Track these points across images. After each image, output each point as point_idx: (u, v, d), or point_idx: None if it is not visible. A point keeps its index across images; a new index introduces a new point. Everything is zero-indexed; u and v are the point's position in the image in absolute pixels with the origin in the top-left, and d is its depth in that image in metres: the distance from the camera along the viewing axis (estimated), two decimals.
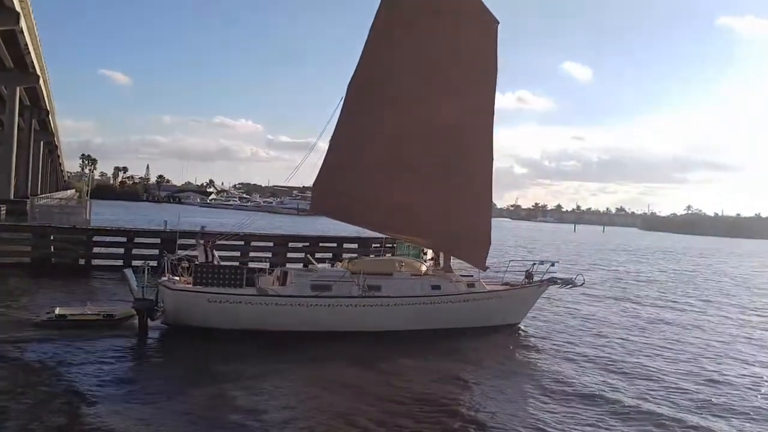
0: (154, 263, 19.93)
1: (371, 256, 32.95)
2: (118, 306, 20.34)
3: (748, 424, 13.24)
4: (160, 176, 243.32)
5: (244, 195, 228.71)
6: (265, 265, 22.58)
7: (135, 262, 30.28)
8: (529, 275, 22.32)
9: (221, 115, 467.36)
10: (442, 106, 21.14)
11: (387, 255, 32.69)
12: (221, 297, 18.40)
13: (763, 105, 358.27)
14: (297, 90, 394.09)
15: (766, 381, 16.84)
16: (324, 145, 20.93)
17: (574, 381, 15.78)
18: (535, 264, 22.67)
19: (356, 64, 21.04)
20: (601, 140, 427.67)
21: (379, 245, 36.21)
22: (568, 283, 22.51)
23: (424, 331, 19.73)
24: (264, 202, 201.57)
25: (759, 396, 15.36)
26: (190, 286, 18.70)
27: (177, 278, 19.09)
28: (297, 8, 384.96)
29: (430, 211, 21.25)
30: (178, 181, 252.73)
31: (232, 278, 18.70)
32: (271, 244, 34.69)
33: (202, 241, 20.05)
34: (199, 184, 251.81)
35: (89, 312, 19.31)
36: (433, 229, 21.47)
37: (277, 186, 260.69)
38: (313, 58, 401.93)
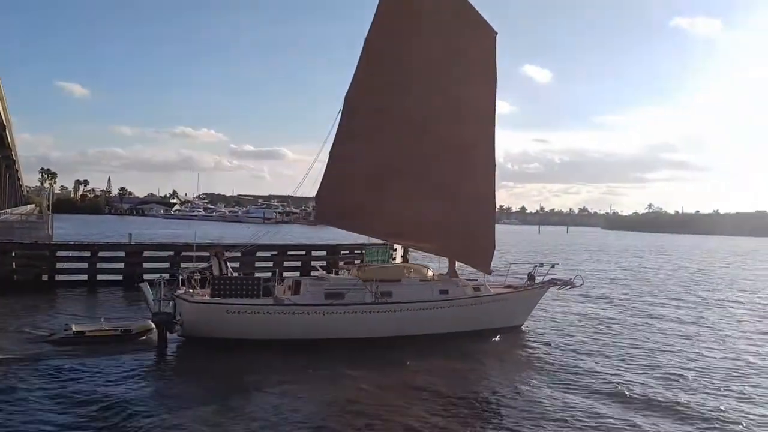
0: (166, 276, 19.93)
1: (340, 263, 33.81)
2: (132, 321, 20.47)
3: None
4: (122, 188, 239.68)
5: (209, 205, 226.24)
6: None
7: (100, 277, 30.94)
8: (531, 277, 23.03)
9: (182, 125, 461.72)
10: (444, 117, 21.74)
11: (357, 261, 33.38)
12: (239, 308, 18.67)
13: (721, 105, 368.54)
14: (260, 98, 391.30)
15: None
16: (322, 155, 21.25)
17: (579, 376, 16.57)
18: (536, 266, 23.37)
19: (352, 75, 21.51)
20: (563, 142, 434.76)
21: (347, 252, 36.76)
22: (567, 284, 23.24)
23: (433, 335, 20.19)
24: (229, 212, 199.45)
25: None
26: (208, 298, 18.92)
27: (191, 291, 19.31)
28: (260, 17, 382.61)
29: (435, 218, 21.78)
30: (140, 192, 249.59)
31: (250, 289, 18.98)
32: (238, 254, 34.51)
33: (215, 254, 20.26)
34: (162, 195, 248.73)
35: (106, 328, 19.41)
36: (439, 235, 22.01)
37: (242, 195, 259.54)
38: (277, 66, 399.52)
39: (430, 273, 21.92)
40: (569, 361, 18.31)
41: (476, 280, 22.50)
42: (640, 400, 14.60)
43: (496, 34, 22.24)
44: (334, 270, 32.03)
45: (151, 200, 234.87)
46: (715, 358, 19.21)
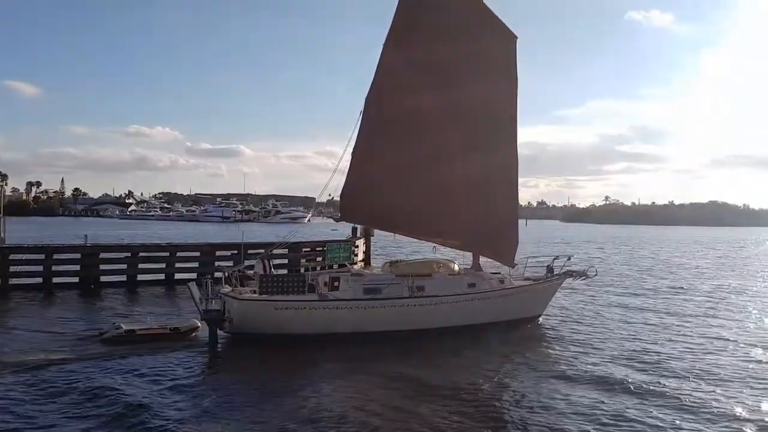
0: (218, 274, 20.57)
1: (302, 260, 34.77)
2: (175, 319, 21.01)
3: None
4: (76, 189, 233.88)
5: (166, 205, 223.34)
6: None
7: (55, 279, 30.37)
8: (550, 269, 24.26)
9: (136, 123, 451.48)
10: (468, 118, 22.77)
11: (318, 259, 34.45)
12: (287, 304, 19.41)
13: (676, 97, 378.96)
14: (217, 95, 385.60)
15: None
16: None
17: (596, 365, 17.55)
18: (554, 258, 24.60)
19: (372, 79, 22.35)
20: (523, 137, 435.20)
21: (309, 249, 37.40)
22: (582, 275, 24.56)
23: (461, 327, 21.19)
24: (187, 211, 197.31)
25: None
26: (257, 295, 19.59)
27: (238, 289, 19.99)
28: (215, 11, 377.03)
29: (460, 215, 22.78)
30: (95, 193, 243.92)
31: (296, 286, 19.76)
32: (197, 253, 34.57)
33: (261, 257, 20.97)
34: (118, 195, 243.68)
35: (155, 326, 19.91)
36: (464, 231, 23.03)
37: (200, 194, 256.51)
38: (232, 62, 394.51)
39: (456, 267, 22.89)
40: (583, 350, 19.50)
41: (499, 273, 23.57)
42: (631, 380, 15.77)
43: (516, 38, 23.34)
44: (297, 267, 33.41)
45: (106, 201, 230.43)
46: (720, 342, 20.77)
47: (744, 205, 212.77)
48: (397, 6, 22.22)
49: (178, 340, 19.44)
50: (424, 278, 21.30)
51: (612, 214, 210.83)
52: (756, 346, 19.96)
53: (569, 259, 24.81)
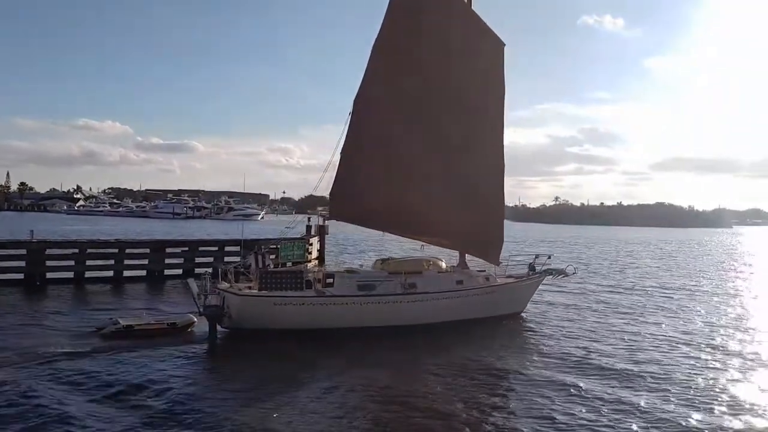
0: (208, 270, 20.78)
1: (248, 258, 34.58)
2: (176, 315, 21.16)
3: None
4: (22, 184, 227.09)
5: (115, 200, 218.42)
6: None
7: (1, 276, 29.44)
8: (532, 267, 25.20)
9: (84, 117, 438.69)
10: (456, 120, 23.49)
11: (272, 257, 34.48)
12: (286, 300, 19.80)
13: (626, 102, 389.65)
14: (169, 89, 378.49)
15: None
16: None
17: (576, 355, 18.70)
18: (536, 257, 25.55)
19: (361, 79, 22.85)
20: None
21: (263, 247, 37.59)
22: (561, 273, 25.63)
23: (449, 322, 21.91)
24: (137, 207, 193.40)
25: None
26: (256, 291, 19.92)
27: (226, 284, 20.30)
28: (165, 5, 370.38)
29: (448, 216, 23.53)
30: (42, 188, 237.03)
31: (295, 282, 20.17)
32: (147, 250, 33.93)
33: (254, 250, 21.22)
34: (66, 190, 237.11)
35: (153, 322, 20.03)
36: (452, 231, 23.81)
37: (150, 190, 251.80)
38: (184, 56, 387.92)
39: (444, 265, 23.61)
40: (565, 342, 20.51)
41: (484, 271, 24.38)
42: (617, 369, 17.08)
43: (504, 45, 24.17)
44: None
45: (53, 196, 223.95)
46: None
47: (689, 206, 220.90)
48: (386, 10, 22.75)
49: (176, 335, 19.60)
50: (415, 275, 21.94)
51: (562, 214, 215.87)
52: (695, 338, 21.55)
53: (549, 258, 25.81)
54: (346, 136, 22.50)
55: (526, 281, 24.89)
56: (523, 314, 24.82)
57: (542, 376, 16.40)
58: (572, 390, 14.99)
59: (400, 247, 38.20)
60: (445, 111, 23.49)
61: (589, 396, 14.59)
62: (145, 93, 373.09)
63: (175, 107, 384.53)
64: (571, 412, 13.47)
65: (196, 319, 20.22)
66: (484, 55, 24.03)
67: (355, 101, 22.70)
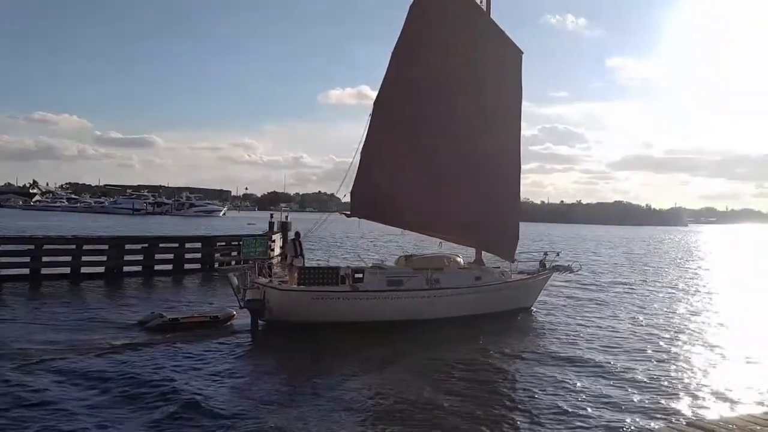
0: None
1: (216, 255, 36.23)
2: (207, 309, 21.89)
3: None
4: None
5: (73, 195, 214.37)
6: None
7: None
8: (542, 264, 26.60)
9: (41, 110, 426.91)
10: (476, 122, 24.63)
11: (233, 253, 35.98)
12: (323, 294, 20.76)
13: (586, 101, 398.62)
14: (129, 83, 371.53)
15: None
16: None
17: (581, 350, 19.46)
18: (545, 254, 26.97)
19: (381, 83, 23.88)
20: None
21: (224, 243, 38.29)
22: (567, 269, 27.14)
23: (467, 317, 23.09)
24: (95, 202, 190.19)
25: None
26: (296, 286, 20.84)
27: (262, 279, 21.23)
28: None
29: (464, 213, 24.64)
30: None
31: (331, 278, 21.19)
32: (105, 246, 32.91)
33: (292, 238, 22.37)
34: (21, 185, 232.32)
35: (197, 315, 20.81)
36: (469, 227, 24.96)
37: (109, 185, 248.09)
38: (145, 48, 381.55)
39: (461, 261, 24.80)
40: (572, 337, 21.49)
41: (498, 267, 25.68)
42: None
43: (522, 53, 25.48)
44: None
45: (8, 190, 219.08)
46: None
47: (647, 205, 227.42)
48: (406, 17, 23.79)
49: (218, 328, 20.40)
50: (437, 272, 23.09)
51: (524, 212, 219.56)
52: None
53: (558, 254, 27.27)
54: (366, 136, 23.48)
55: (537, 277, 26.25)
56: (532, 308, 26.18)
57: (560, 368, 17.01)
58: (585, 384, 15.33)
59: (399, 245, 39.17)
60: (465, 116, 24.59)
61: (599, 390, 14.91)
62: (105, 86, 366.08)
63: (136, 101, 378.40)
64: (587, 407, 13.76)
65: (235, 313, 21.05)
66: (505, 60, 25.29)
67: (374, 103, 23.68)
